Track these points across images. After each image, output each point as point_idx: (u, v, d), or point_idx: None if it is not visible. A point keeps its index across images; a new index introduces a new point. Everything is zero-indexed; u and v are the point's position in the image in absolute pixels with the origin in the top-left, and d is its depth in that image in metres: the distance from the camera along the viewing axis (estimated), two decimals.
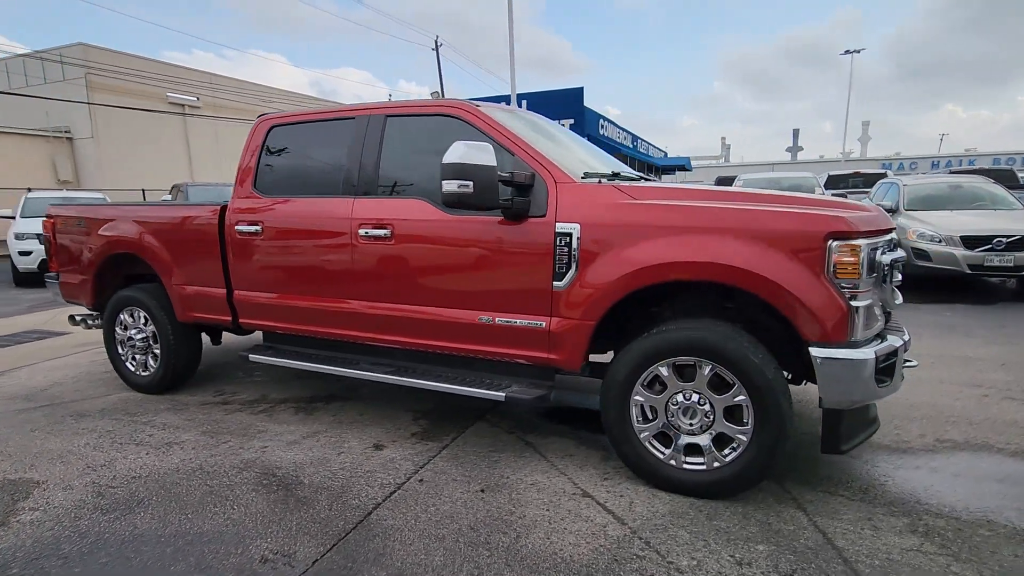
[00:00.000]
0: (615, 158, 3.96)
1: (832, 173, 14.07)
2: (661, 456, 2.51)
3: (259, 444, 3.15)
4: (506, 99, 16.97)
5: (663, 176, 32.68)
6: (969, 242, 6.64)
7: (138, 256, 3.86)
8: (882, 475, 2.66)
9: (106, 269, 4.10)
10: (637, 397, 2.51)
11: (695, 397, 2.42)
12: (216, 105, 25.15)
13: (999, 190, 8.07)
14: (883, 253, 2.30)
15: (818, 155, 53.18)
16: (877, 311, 2.31)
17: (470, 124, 2.86)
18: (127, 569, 2.09)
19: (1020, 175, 12.35)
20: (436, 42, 28.42)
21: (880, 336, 2.37)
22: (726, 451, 2.41)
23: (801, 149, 51.88)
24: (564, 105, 17.60)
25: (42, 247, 7.67)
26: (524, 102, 17.81)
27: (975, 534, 2.18)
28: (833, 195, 8.95)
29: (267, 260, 3.37)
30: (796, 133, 51.82)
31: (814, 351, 2.20)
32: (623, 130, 23.75)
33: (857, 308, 2.19)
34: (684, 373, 2.44)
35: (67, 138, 22.68)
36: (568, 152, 3.28)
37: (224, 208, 3.50)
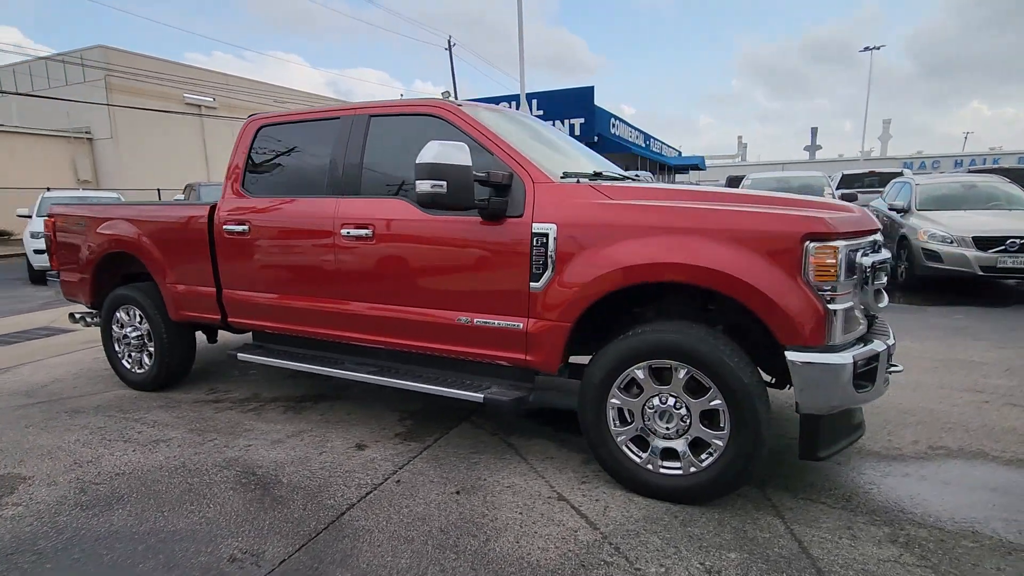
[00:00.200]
0: (613, 159, 3.91)
1: (846, 172, 13.83)
2: (638, 460, 2.47)
3: (244, 442, 3.17)
4: (515, 98, 16.96)
5: (676, 176, 32.40)
6: (982, 243, 6.47)
7: (133, 255, 3.92)
8: (868, 482, 2.59)
9: (103, 268, 4.16)
10: (614, 400, 2.48)
11: (671, 401, 2.37)
12: (231, 105, 25.49)
13: (1015, 190, 7.85)
14: (864, 255, 2.24)
15: (837, 154, 52.39)
16: (858, 314, 2.25)
17: (451, 124, 2.85)
18: (97, 566, 2.11)
19: None
20: (449, 42, 28.51)
21: (863, 340, 2.31)
22: (703, 456, 2.36)
23: (819, 148, 51.07)
24: (574, 104, 17.51)
25: None
26: (534, 101, 17.77)
27: (958, 545, 2.11)
28: (843, 195, 8.81)
29: (254, 260, 3.39)
30: (814, 132, 50.90)
31: (790, 355, 2.14)
32: (635, 129, 23.55)
33: (835, 311, 2.13)
34: (661, 376, 2.40)
35: (87, 139, 23.16)
36: (554, 152, 3.26)
37: (214, 208, 3.53)
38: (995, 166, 16.23)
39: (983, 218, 7.00)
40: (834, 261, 2.12)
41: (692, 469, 2.37)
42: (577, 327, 2.54)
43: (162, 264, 3.77)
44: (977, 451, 2.86)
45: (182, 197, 13.76)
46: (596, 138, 17.16)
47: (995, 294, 7.00)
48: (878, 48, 33.45)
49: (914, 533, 2.19)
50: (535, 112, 17.64)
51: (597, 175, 2.91)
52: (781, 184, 8.73)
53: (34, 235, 10.21)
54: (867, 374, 2.22)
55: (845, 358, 2.13)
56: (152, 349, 3.99)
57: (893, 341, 2.43)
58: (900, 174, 12.25)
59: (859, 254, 2.21)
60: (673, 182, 30.60)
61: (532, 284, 2.57)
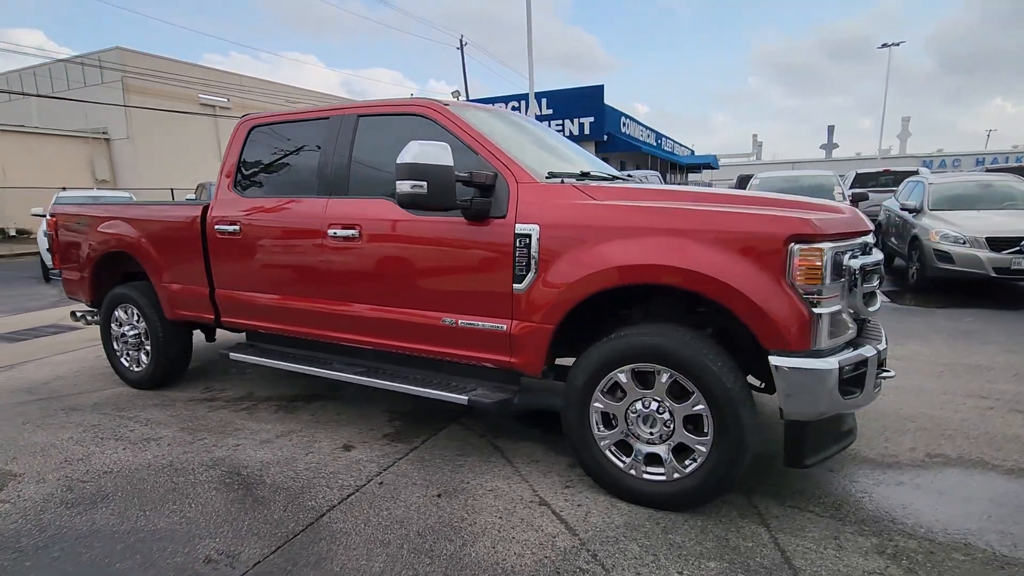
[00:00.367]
0: (624, 157, 3.86)
1: (860, 171, 13.58)
2: (621, 465, 2.43)
3: (233, 442, 3.17)
4: (525, 97, 16.91)
5: (689, 175, 32.12)
6: (995, 244, 6.30)
7: (130, 255, 3.95)
8: (860, 490, 2.52)
9: (103, 267, 4.21)
10: (597, 404, 2.44)
11: (654, 405, 2.33)
12: (244, 106, 25.75)
13: None
14: (852, 257, 2.17)
15: (855, 152, 51.57)
16: (846, 318, 2.19)
17: (437, 123, 2.82)
18: (75, 565, 2.12)
19: None
20: (461, 41, 28.54)
21: (852, 345, 2.24)
22: (687, 462, 2.32)
23: (836, 146, 50.35)
24: (583, 103, 17.42)
25: None
26: (544, 100, 17.71)
27: (948, 558, 2.04)
28: (854, 194, 8.64)
29: (245, 260, 3.40)
30: (831, 130, 50.21)
31: (774, 360, 2.09)
32: (646, 128, 23.38)
33: (820, 315, 2.07)
34: (645, 380, 2.35)
35: (104, 139, 23.56)
36: (545, 153, 3.22)
37: (206, 208, 3.54)
38: (1017, 164, 15.85)
39: (998, 218, 6.82)
40: (819, 263, 2.06)
41: (676, 475, 2.33)
42: (562, 329, 2.51)
43: (157, 264, 3.79)
44: (976, 459, 2.77)
45: (194, 196, 13.91)
46: (606, 137, 17.08)
47: (1008, 297, 6.81)
48: (896, 44, 32.87)
49: (903, 544, 2.12)
50: (544, 111, 17.60)
51: (585, 175, 2.87)
52: (790, 183, 8.58)
53: (47, 234, 10.38)
54: (855, 380, 2.16)
55: (831, 363, 2.07)
56: (149, 347, 4.03)
57: (885, 346, 2.36)
58: (916, 173, 12.01)
59: (847, 256, 2.15)
60: (686, 182, 30.40)
61: (515, 286, 2.53)
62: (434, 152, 2.38)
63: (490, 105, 3.66)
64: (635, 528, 2.26)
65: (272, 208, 3.30)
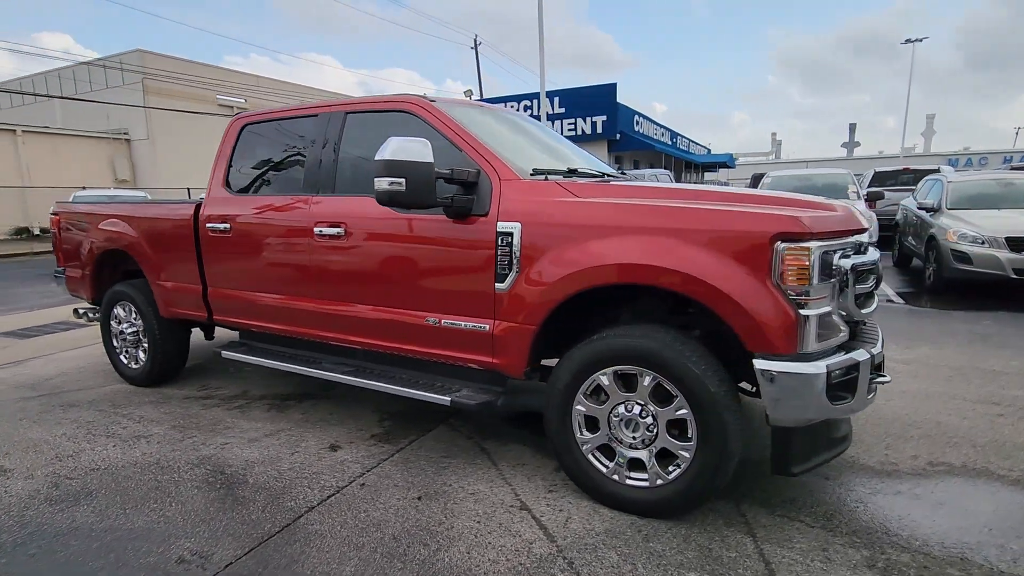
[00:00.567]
0: (637, 156, 3.79)
1: (879, 170, 13.24)
2: (604, 470, 2.36)
3: (221, 440, 3.17)
4: (536, 96, 16.82)
5: (705, 173, 31.73)
6: (1016, 244, 6.07)
7: (127, 252, 3.98)
8: (855, 500, 2.42)
9: (103, 264, 4.25)
10: (579, 407, 2.37)
11: (637, 409, 2.26)
12: (262, 106, 26.04)
13: None
14: (843, 257, 2.07)
15: (877, 151, 50.53)
16: (836, 321, 2.09)
17: (422, 120, 2.78)
18: (50, 563, 2.12)
19: None
20: (475, 41, 28.54)
21: (844, 348, 2.15)
22: (670, 468, 2.24)
23: (858, 144, 49.33)
24: (596, 102, 17.28)
25: None
26: (556, 99, 17.61)
27: (942, 573, 1.94)
28: (870, 193, 8.42)
29: (236, 258, 3.40)
30: (852, 128, 49.12)
31: (758, 363, 2.01)
32: (660, 126, 23.11)
33: (807, 317, 1.98)
34: (628, 383, 2.28)
35: (125, 139, 24.00)
36: (536, 151, 3.16)
37: (199, 206, 3.55)
38: None
39: (1019, 218, 6.57)
40: (807, 263, 1.97)
41: (659, 481, 2.25)
42: (548, 330, 2.45)
43: (153, 262, 3.81)
44: (982, 469, 2.65)
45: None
46: (618, 136, 16.93)
47: None
48: (920, 40, 32.06)
49: (895, 558, 2.03)
50: (556, 109, 17.49)
51: (572, 172, 2.80)
52: (802, 182, 8.39)
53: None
54: (845, 385, 2.06)
55: (818, 368, 1.97)
56: (146, 345, 4.05)
57: (880, 349, 2.26)
58: (936, 171, 11.68)
59: (837, 256, 2.05)
60: (702, 181, 30.01)
61: (498, 285, 2.48)
62: (413, 148, 2.33)
63: (488, 103, 3.62)
64: (616, 535, 2.20)
65: (262, 206, 3.29)
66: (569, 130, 18.03)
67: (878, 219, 7.72)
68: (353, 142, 3.02)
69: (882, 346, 2.31)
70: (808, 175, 8.93)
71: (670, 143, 24.53)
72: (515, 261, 2.42)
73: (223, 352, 3.57)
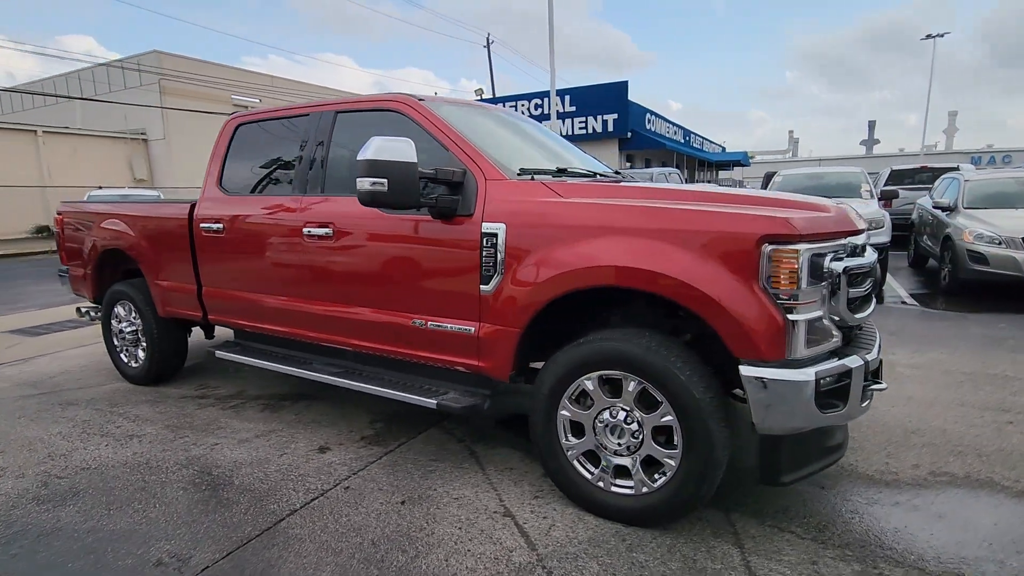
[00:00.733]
0: (649, 155, 3.72)
1: (895, 168, 12.96)
2: (589, 476, 2.31)
3: (212, 441, 3.17)
4: (547, 94, 16.75)
5: (719, 172, 31.36)
6: None
7: (126, 252, 4.00)
8: (850, 510, 2.34)
9: (104, 264, 4.28)
10: (564, 412, 2.32)
11: (622, 415, 2.20)
12: (276, 106, 26.27)
13: None
14: (835, 259, 2.00)
15: (898, 148, 49.52)
16: (828, 326, 2.01)
17: (410, 119, 2.75)
18: (30, 563, 2.12)
19: None
20: (487, 39, 28.54)
21: (836, 354, 2.07)
22: (656, 476, 2.18)
23: (877, 142, 48.39)
24: (607, 100, 17.15)
25: None
26: (567, 97, 17.51)
27: None
28: (884, 192, 8.22)
29: (228, 258, 3.39)
30: (872, 125, 48.24)
31: (744, 370, 1.94)
32: (673, 125, 22.89)
33: (795, 323, 1.91)
34: (614, 388, 2.23)
35: (143, 139, 24.36)
36: (529, 150, 3.11)
37: (194, 206, 3.55)
38: None
39: None
40: (795, 266, 1.90)
41: (644, 489, 2.20)
42: (534, 332, 2.40)
43: (151, 261, 3.83)
44: (986, 480, 2.55)
45: None
46: (629, 134, 16.78)
47: None
48: (941, 35, 31.36)
49: (888, 573, 1.95)
50: (567, 108, 17.39)
51: (562, 172, 2.75)
52: (813, 181, 8.22)
53: None
54: (836, 392, 1.99)
55: (807, 375, 1.90)
56: (145, 344, 4.07)
57: (876, 356, 2.17)
58: (955, 169, 11.39)
59: (828, 258, 1.98)
60: (716, 180, 29.66)
61: (483, 287, 2.44)
62: (395, 148, 2.29)
63: (485, 103, 3.57)
64: (598, 544, 2.14)
65: (253, 206, 3.28)
66: (580, 129, 17.92)
67: (893, 218, 7.55)
68: (343, 142, 3.00)
69: (879, 352, 2.23)
70: (820, 173, 8.75)
71: (683, 141, 24.28)
72: (500, 263, 2.37)
73: (217, 352, 3.57)
